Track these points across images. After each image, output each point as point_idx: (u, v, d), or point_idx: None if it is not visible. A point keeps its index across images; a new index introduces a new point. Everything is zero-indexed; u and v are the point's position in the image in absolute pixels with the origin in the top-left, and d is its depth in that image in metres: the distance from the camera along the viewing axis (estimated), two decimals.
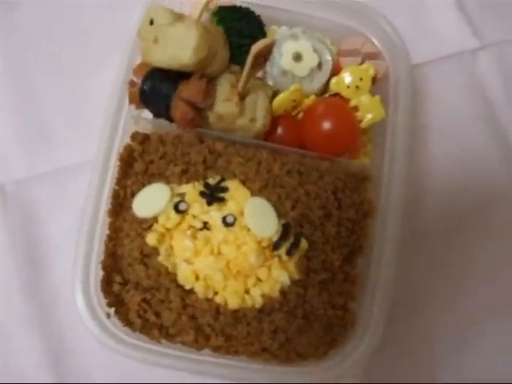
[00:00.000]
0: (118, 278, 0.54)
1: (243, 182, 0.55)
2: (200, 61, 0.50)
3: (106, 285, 0.54)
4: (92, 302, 0.53)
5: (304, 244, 0.53)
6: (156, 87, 0.53)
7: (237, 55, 0.55)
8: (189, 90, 0.52)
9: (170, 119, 0.54)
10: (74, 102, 0.67)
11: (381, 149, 0.59)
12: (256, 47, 0.48)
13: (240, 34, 0.56)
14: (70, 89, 0.67)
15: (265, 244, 0.53)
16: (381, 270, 0.55)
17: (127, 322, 0.53)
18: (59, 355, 0.60)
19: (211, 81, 0.54)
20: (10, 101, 0.67)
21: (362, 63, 0.59)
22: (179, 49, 0.50)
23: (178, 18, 0.51)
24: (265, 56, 0.51)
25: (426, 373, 0.63)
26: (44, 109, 0.67)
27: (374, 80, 0.58)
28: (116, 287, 0.53)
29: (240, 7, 0.58)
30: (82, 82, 0.67)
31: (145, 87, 0.53)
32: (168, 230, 0.54)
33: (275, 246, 0.53)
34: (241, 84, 0.53)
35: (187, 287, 0.53)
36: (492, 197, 0.68)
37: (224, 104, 0.54)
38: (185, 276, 0.53)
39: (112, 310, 0.53)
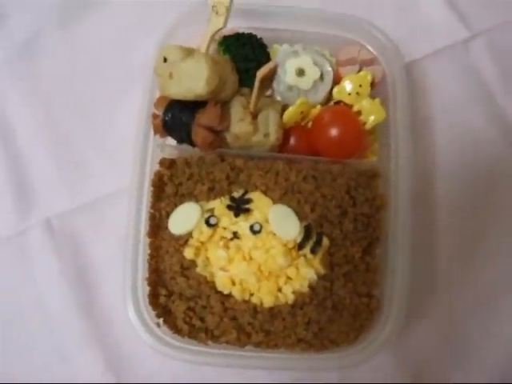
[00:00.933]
0: (163, 291, 0.60)
1: (265, 192, 0.60)
2: (212, 90, 0.56)
3: (153, 298, 0.60)
4: (143, 314, 0.59)
5: (326, 241, 0.59)
6: (176, 117, 0.59)
7: (245, 78, 0.61)
8: (206, 117, 0.57)
9: (192, 144, 0.60)
10: (102, 137, 0.73)
11: (387, 146, 0.64)
12: (261, 72, 0.54)
13: (245, 58, 0.61)
14: (97, 125, 0.74)
15: (290, 246, 0.58)
16: (398, 257, 0.60)
17: (176, 330, 0.59)
18: (119, 365, 0.66)
19: (225, 105, 0.60)
20: (47, 143, 0.73)
21: (359, 70, 0.65)
22: (193, 81, 0.56)
23: (189, 53, 0.57)
24: (270, 78, 0.57)
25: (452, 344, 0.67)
26: (77, 146, 0.73)
27: (373, 84, 0.64)
28: (162, 299, 0.59)
29: (243, 34, 0.64)
30: (106, 117, 0.73)
31: (166, 118, 0.59)
32: (202, 243, 0.59)
33: (300, 247, 0.58)
34: (252, 105, 0.59)
35: (225, 292, 0.59)
36: (496, 173, 0.72)
37: (239, 124, 0.59)
38: (222, 282, 0.59)
39: (161, 320, 0.59)
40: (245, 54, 0.61)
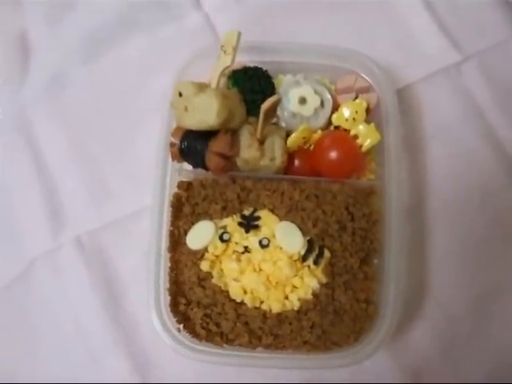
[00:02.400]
0: (182, 300, 0.66)
1: (272, 210, 0.66)
2: (223, 121, 0.63)
3: (174, 306, 0.66)
4: (165, 321, 0.66)
5: (327, 253, 0.64)
6: (192, 145, 0.66)
7: (252, 108, 0.67)
8: (218, 144, 0.64)
9: (206, 169, 0.66)
10: (125, 161, 0.79)
11: (383, 165, 0.69)
12: (265, 106, 0.61)
13: (252, 90, 0.68)
14: (120, 151, 0.80)
15: (295, 258, 0.63)
16: (393, 266, 0.65)
17: (194, 334, 0.66)
18: (144, 367, 0.72)
19: (235, 133, 0.66)
20: (76, 168, 0.80)
21: (356, 98, 0.71)
22: (205, 114, 0.62)
23: (201, 88, 0.64)
24: (273, 109, 0.63)
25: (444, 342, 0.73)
26: (102, 170, 0.79)
27: (368, 110, 0.69)
28: (182, 307, 0.66)
29: (249, 67, 0.70)
30: (128, 144, 0.79)
31: (183, 146, 0.66)
32: (217, 256, 0.66)
33: (304, 258, 0.63)
34: (258, 132, 0.65)
35: (238, 300, 0.64)
36: (488, 188, 0.76)
37: (247, 150, 0.66)
38: (235, 291, 0.65)
39: (181, 326, 0.66)
40: (251, 87, 0.68)
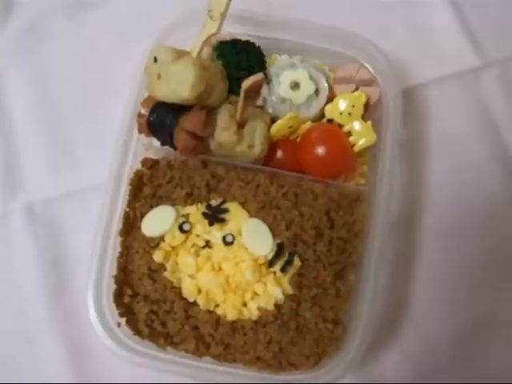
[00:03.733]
0: (128, 291, 0.59)
1: (242, 204, 0.60)
2: (198, 95, 0.55)
3: (118, 297, 0.59)
4: (104, 312, 0.59)
5: (297, 262, 0.58)
6: (161, 118, 0.58)
7: (236, 87, 0.59)
8: (190, 121, 0.57)
9: (175, 147, 0.59)
10: (95, 128, 0.73)
11: (376, 170, 0.63)
12: (246, 83, 0.53)
13: (238, 67, 0.60)
14: (91, 116, 0.73)
15: (261, 261, 0.57)
16: (370, 285, 0.58)
17: (136, 331, 0.59)
18: (80, 358, 0.66)
19: (211, 111, 0.59)
20: (41, 128, 0.74)
21: (355, 90, 0.63)
22: (179, 85, 0.55)
23: (179, 55, 0.56)
24: (256, 90, 0.56)
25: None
26: (69, 135, 0.73)
27: (367, 106, 0.62)
28: (127, 299, 0.59)
29: (239, 41, 0.63)
30: (101, 110, 0.73)
31: (151, 118, 0.59)
32: (173, 248, 0.59)
33: (270, 264, 0.57)
34: (238, 114, 0.58)
35: (190, 300, 0.58)
36: (489, 210, 0.69)
37: (223, 133, 0.58)
38: (188, 290, 0.58)
39: (122, 320, 0.59)
40: (238, 62, 0.60)
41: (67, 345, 0.66)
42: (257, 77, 0.53)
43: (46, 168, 0.72)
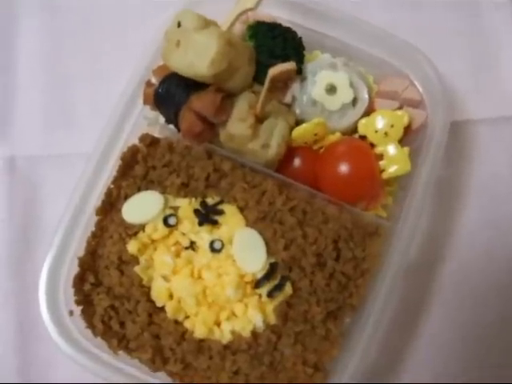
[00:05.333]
0: (91, 278, 0.52)
1: (241, 209, 0.53)
2: (216, 74, 0.48)
3: (79, 282, 0.52)
4: (57, 295, 0.52)
5: (288, 289, 0.50)
6: (171, 92, 0.51)
7: (263, 75, 0.51)
8: (201, 102, 0.49)
9: (178, 128, 0.52)
10: (101, 93, 0.66)
11: (402, 205, 0.54)
12: (273, 71, 0.45)
13: (271, 53, 0.53)
14: (99, 78, 0.67)
15: (247, 279, 0.50)
16: (366, 333, 0.50)
17: (90, 325, 0.52)
18: (27, 336, 0.59)
19: (229, 97, 0.51)
20: (43, 81, 0.68)
21: (399, 109, 0.54)
22: (198, 57, 0.48)
23: (205, 24, 0.49)
24: (284, 81, 0.48)
25: None
26: (71, 95, 0.67)
27: (408, 130, 0.54)
28: (87, 287, 0.52)
29: (279, 25, 0.55)
30: (111, 74, 0.66)
31: (160, 90, 0.51)
32: (152, 241, 0.52)
33: (257, 284, 0.50)
34: (259, 105, 0.50)
35: (158, 304, 0.52)
36: None
37: (237, 124, 0.51)
38: (158, 292, 0.51)
39: (77, 309, 0.52)
40: (272, 48, 0.53)
41: (18, 320, 0.60)
42: (287, 66, 0.45)
43: (41, 124, 0.66)
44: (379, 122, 0.54)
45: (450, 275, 0.62)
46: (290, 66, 0.45)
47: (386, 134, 0.53)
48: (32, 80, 0.68)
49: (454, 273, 0.62)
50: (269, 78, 0.45)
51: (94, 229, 0.53)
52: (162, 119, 0.56)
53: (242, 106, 0.51)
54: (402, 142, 0.54)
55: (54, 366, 0.58)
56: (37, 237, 0.62)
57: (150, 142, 0.54)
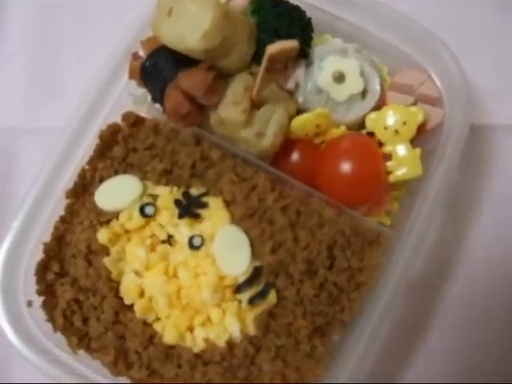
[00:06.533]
0: (55, 267, 0.47)
1: (228, 204, 0.48)
2: (210, 49, 0.42)
3: (42, 270, 0.47)
4: (16, 282, 0.47)
5: (272, 297, 0.45)
6: (158, 67, 0.46)
7: (263, 56, 0.46)
8: (190, 80, 0.44)
9: (164, 108, 0.46)
10: (90, 68, 0.58)
11: (409, 212, 0.49)
12: (271, 48, 0.40)
13: (274, 32, 0.47)
14: (88, 53, 0.62)
15: (227, 282, 0.45)
16: (355, 354, 0.46)
17: (50, 318, 0.47)
18: None
19: (223, 77, 0.46)
20: (30, 50, 0.64)
21: (413, 104, 0.49)
22: (189, 28, 0.42)
23: None
24: (283, 61, 0.42)
25: None
26: (58, 67, 0.63)
27: (422, 129, 0.48)
28: (50, 276, 0.47)
29: (286, 2, 0.49)
30: (102, 47, 0.60)
31: (147, 64, 0.46)
32: (126, 231, 0.48)
33: (238, 289, 0.45)
34: (255, 89, 0.44)
35: (126, 302, 0.47)
36: None
37: (230, 108, 0.45)
38: (128, 288, 0.47)
39: (38, 300, 0.47)
40: (275, 26, 0.47)
41: None
42: (289, 43, 0.39)
43: (24, 95, 0.62)
44: (390, 117, 0.48)
45: (458, 294, 0.56)
46: (291, 43, 0.39)
47: (396, 131, 0.47)
48: (19, 49, 0.64)
49: (463, 292, 0.57)
50: (267, 56, 0.40)
51: (63, 213, 0.48)
52: (150, 98, 0.50)
53: (236, 88, 0.46)
54: (413, 142, 0.48)
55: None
56: (6, 212, 0.57)
57: (134, 121, 0.49)
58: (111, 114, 0.49)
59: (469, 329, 0.56)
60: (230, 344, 0.45)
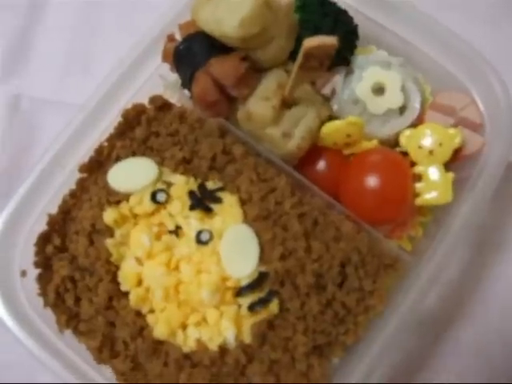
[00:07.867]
0: (56, 241, 0.46)
1: (243, 202, 0.46)
2: (246, 38, 0.41)
3: (42, 242, 0.46)
4: (13, 250, 0.46)
5: (274, 307, 0.43)
6: (192, 51, 0.44)
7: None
8: (221, 67, 0.42)
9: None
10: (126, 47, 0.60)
11: (432, 240, 0.46)
12: (308, 42, 0.37)
13: (316, 30, 0.45)
14: (126, 32, 0.60)
15: (229, 284, 0.43)
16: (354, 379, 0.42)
17: (43, 292, 0.46)
18: None
19: (257, 71, 0.44)
20: (70, 25, 0.65)
21: (452, 127, 0.46)
22: (228, 14, 0.41)
23: None
24: (320, 59, 0.40)
25: None
26: (95, 44, 0.64)
27: (458, 153, 0.45)
28: (50, 249, 0.46)
29: (333, 4, 0.47)
30: (140, 28, 0.59)
31: (181, 47, 0.45)
32: (134, 215, 0.46)
33: (239, 292, 0.43)
34: (288, 87, 0.42)
35: (122, 288, 0.45)
36: None
37: (259, 102, 0.44)
38: (126, 275, 0.45)
39: (33, 272, 0.45)
40: (318, 25, 0.45)
41: None
42: (327, 40, 0.37)
43: (57, 68, 0.63)
44: (426, 136, 0.45)
45: (471, 340, 0.53)
46: (331, 40, 0.37)
47: (430, 152, 0.45)
48: (59, 22, 0.64)
49: (476, 339, 0.53)
50: (303, 50, 0.38)
51: (74, 187, 0.47)
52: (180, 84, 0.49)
53: (269, 84, 0.44)
54: (447, 166, 0.45)
55: None
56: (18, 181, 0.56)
57: (161, 105, 0.48)
58: (139, 94, 0.48)
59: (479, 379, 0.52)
60: (223, 349, 0.42)
